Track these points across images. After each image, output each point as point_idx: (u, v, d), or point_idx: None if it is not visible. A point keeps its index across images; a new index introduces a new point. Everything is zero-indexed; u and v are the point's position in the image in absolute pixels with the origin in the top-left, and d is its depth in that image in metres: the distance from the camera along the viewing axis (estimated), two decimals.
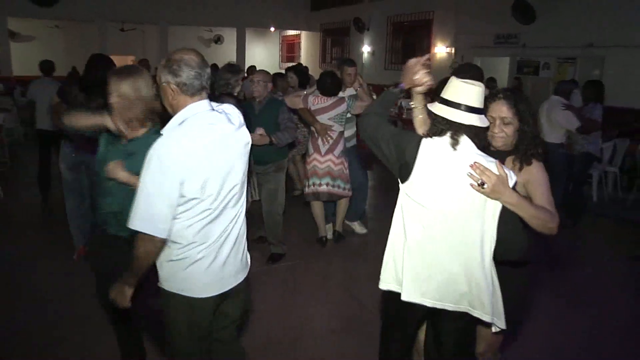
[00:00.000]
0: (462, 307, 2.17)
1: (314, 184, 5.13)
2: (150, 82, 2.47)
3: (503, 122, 2.28)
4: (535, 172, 2.28)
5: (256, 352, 3.29)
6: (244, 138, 2.24)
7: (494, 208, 2.07)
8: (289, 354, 3.40)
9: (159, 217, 1.96)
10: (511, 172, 2.07)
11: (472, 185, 2.02)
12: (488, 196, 2.03)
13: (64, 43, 17.65)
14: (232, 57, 17.70)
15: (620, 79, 9.29)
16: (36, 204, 6.55)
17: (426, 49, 13.93)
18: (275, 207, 4.78)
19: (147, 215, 1.96)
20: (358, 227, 5.70)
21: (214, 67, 11.36)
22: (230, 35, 19.27)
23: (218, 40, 20.40)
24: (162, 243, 2.04)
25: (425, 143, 2.14)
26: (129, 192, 2.20)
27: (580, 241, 5.97)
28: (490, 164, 2.03)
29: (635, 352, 3.65)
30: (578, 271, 4.95)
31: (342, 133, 5.10)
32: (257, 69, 5.75)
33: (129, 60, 18.91)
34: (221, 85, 4.40)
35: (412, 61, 2.31)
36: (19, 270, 4.46)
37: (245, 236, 2.36)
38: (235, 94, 4.46)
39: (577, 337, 3.76)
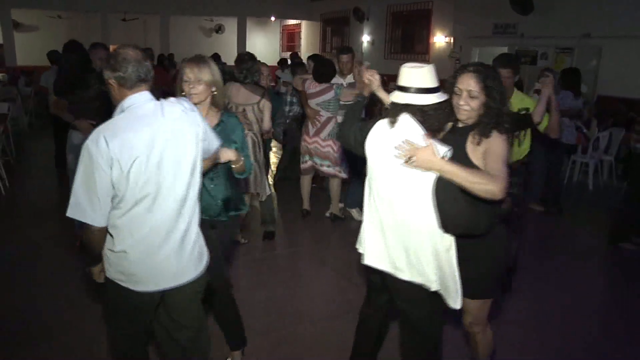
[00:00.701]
0: (405, 276, 2.33)
1: (305, 161, 5.62)
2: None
3: (469, 95, 2.29)
4: (493, 142, 2.27)
5: (257, 338, 3.36)
6: (186, 129, 2.18)
7: (429, 179, 2.17)
8: (290, 339, 3.45)
9: (92, 206, 2.00)
10: (438, 144, 2.14)
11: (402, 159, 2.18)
12: (420, 168, 2.14)
13: (67, 33, 17.65)
14: (233, 47, 17.75)
15: (617, 69, 9.38)
16: (40, 196, 6.69)
17: (425, 38, 13.99)
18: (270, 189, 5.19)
19: (81, 204, 2.00)
20: (356, 214, 5.85)
21: (216, 56, 11.43)
22: (231, 25, 19.26)
23: (219, 29, 20.38)
24: (99, 231, 2.08)
25: (377, 124, 2.40)
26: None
27: (572, 229, 6.09)
28: (419, 138, 2.17)
29: (616, 338, 3.77)
30: (567, 260, 5.04)
31: (330, 118, 5.35)
32: (257, 59, 5.93)
33: None
34: (245, 74, 4.63)
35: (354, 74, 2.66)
36: (19, 270, 4.40)
37: (196, 232, 2.31)
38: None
39: (563, 329, 3.86)
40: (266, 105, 4.63)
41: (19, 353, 3.21)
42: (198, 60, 2.65)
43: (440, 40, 13.44)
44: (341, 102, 5.31)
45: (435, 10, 13.54)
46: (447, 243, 2.26)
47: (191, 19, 19.04)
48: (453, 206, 2.17)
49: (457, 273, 2.28)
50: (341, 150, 5.45)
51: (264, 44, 20.74)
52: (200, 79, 2.60)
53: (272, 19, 19.63)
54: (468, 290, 2.40)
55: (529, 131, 3.97)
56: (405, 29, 14.82)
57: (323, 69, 5.35)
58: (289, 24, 21.20)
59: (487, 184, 2.07)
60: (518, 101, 3.89)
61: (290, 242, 5.16)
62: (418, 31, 14.31)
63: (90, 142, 2.00)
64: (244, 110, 4.60)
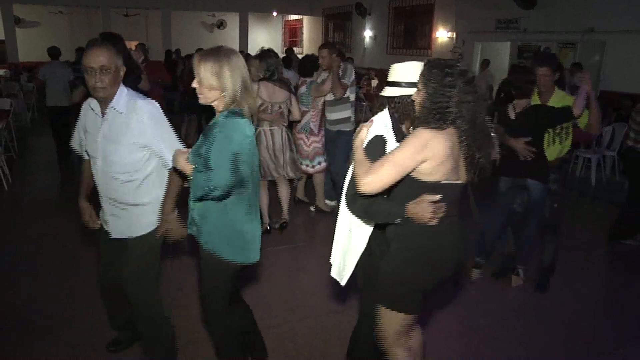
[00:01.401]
0: None
1: None
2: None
3: (417, 87, 2.20)
4: (408, 137, 2.14)
5: (261, 333, 3.37)
6: None
7: None
8: (291, 335, 3.45)
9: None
10: (369, 131, 2.25)
11: None
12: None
13: (68, 29, 17.69)
14: (235, 42, 17.73)
15: (620, 64, 9.34)
16: (43, 192, 6.69)
17: (427, 33, 13.95)
18: None
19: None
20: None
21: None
22: (232, 20, 19.26)
23: (221, 25, 20.38)
24: None
25: None
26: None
27: (575, 225, 6.08)
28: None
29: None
30: (569, 255, 5.01)
31: (304, 112, 5.33)
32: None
33: (132, 45, 19.03)
34: (272, 71, 4.63)
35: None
36: (21, 266, 4.36)
37: None
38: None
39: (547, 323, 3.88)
40: (294, 99, 4.90)
41: (19, 350, 3.19)
42: (201, 54, 2.28)
43: (442, 35, 13.40)
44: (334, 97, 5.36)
45: (437, 5, 13.51)
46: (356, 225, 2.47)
47: (193, 15, 19.04)
48: (349, 188, 2.32)
49: (352, 257, 2.49)
50: (314, 145, 5.45)
51: (265, 40, 20.71)
52: (200, 78, 2.25)
53: (274, 14, 19.62)
54: (378, 291, 2.34)
55: (570, 129, 3.98)
56: (408, 24, 14.79)
57: (304, 64, 5.51)
58: (291, 19, 21.17)
59: (359, 177, 2.06)
60: (559, 99, 3.90)
61: (291, 238, 5.14)
62: (420, 26, 14.28)
63: (155, 111, 2.51)
64: (280, 107, 4.73)
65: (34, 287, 4.01)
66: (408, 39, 14.78)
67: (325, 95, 5.33)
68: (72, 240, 4.82)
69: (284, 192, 5.19)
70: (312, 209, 5.87)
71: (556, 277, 4.33)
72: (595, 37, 9.68)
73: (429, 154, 2.05)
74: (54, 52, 7.91)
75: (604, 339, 3.56)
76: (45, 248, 4.74)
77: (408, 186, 2.12)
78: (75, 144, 2.76)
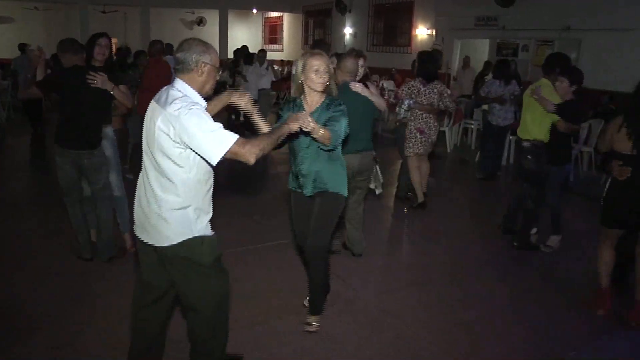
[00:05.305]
0: None
1: None
2: None
3: None
4: None
5: (242, 331, 3.32)
6: None
7: None
8: (274, 332, 3.42)
9: None
10: None
11: None
12: None
13: (44, 25, 17.37)
14: (215, 40, 17.59)
15: (595, 61, 9.49)
16: (21, 190, 6.60)
17: (408, 31, 14.02)
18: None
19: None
20: None
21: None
22: (212, 17, 19.12)
23: (200, 22, 20.21)
24: None
25: None
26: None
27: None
28: None
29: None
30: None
31: None
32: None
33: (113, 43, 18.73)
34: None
35: None
36: (1, 265, 4.28)
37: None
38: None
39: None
40: None
41: (3, 349, 3.12)
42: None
43: (422, 32, 13.48)
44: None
45: (417, 2, 13.58)
46: None
47: (172, 11, 18.84)
48: None
49: None
50: None
51: (245, 37, 20.62)
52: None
53: (254, 11, 19.52)
54: None
55: None
56: (388, 21, 14.85)
57: None
58: (271, 16, 21.09)
59: None
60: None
61: (275, 235, 5.10)
62: (400, 23, 14.35)
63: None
64: None
65: (17, 286, 3.92)
66: (388, 36, 14.84)
67: None
68: (54, 240, 4.73)
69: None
70: None
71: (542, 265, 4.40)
72: (572, 35, 9.83)
73: None
74: (23, 47, 9.62)
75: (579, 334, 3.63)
76: (27, 248, 4.65)
77: None
78: None
